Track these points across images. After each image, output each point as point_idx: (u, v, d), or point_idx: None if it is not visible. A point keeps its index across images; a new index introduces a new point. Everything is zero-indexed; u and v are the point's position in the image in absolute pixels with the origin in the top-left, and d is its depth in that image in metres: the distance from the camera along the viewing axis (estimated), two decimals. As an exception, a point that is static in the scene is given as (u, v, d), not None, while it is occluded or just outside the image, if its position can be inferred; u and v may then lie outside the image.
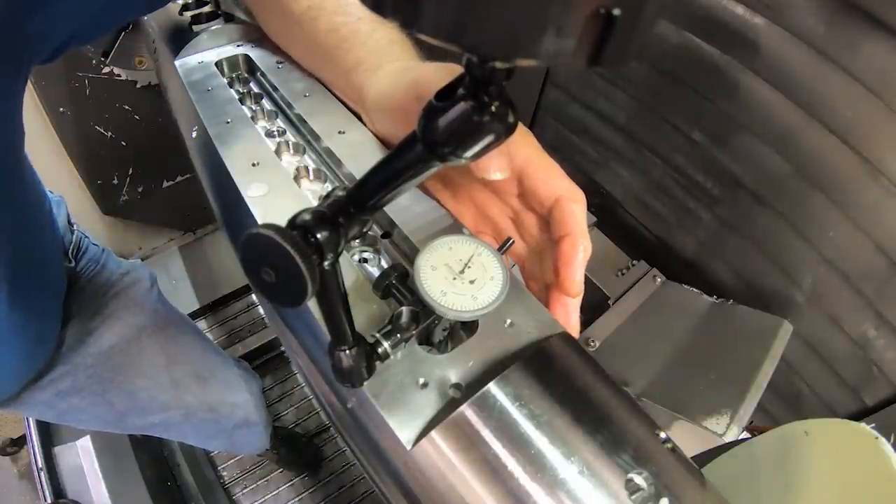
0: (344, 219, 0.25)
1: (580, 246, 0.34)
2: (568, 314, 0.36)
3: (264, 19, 0.56)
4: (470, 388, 0.33)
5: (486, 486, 0.29)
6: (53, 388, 0.64)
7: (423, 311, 0.36)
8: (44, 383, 0.63)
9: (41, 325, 0.58)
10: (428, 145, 0.21)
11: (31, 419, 1.04)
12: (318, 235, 0.23)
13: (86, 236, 0.72)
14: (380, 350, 0.33)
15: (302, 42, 0.50)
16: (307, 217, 0.24)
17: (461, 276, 0.35)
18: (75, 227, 0.71)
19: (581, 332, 0.55)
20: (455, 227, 0.43)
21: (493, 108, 0.19)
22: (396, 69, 0.43)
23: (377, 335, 0.33)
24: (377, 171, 0.25)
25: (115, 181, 1.38)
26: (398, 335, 0.33)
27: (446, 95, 0.20)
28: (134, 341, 0.72)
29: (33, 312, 0.54)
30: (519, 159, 0.35)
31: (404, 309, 0.36)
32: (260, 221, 0.43)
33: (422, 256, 0.36)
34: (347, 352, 0.30)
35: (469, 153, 0.21)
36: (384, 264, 0.45)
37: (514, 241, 0.39)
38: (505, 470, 0.29)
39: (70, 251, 0.67)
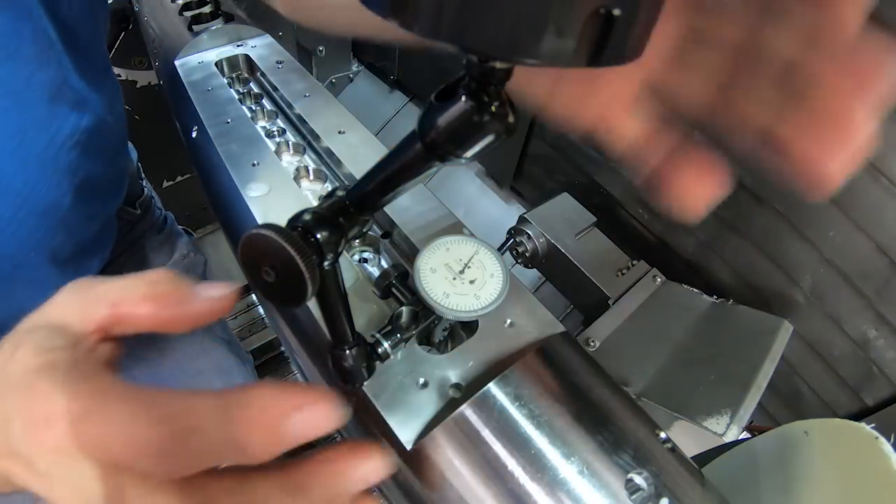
0: (344, 219, 0.25)
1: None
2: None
3: None
4: (470, 388, 0.33)
5: (486, 486, 0.29)
6: None
7: (423, 311, 0.36)
8: None
9: (93, 236, 0.56)
10: (427, 145, 0.21)
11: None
12: (318, 235, 0.23)
13: (153, 197, 0.73)
14: (380, 350, 0.33)
15: None
16: (307, 217, 0.24)
17: (461, 277, 0.35)
18: (145, 183, 0.71)
19: (581, 331, 0.55)
20: (454, 227, 0.43)
21: (492, 108, 0.19)
22: None
23: (377, 335, 0.33)
24: (377, 171, 0.25)
25: (115, 181, 1.38)
26: (398, 335, 0.33)
27: (446, 95, 0.20)
28: None
29: (92, 216, 0.53)
30: None
31: (404, 309, 0.36)
32: (260, 221, 0.43)
33: (421, 258, 0.36)
34: (347, 352, 0.30)
35: (469, 153, 0.21)
36: (384, 264, 0.45)
37: (514, 240, 0.38)
38: (505, 470, 0.29)
39: (137, 201, 0.68)
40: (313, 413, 0.19)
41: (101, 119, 0.49)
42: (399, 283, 0.39)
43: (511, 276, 0.36)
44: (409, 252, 0.43)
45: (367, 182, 0.25)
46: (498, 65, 0.18)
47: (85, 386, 0.19)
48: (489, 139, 0.20)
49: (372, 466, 0.22)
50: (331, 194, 0.27)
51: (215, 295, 0.24)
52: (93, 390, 0.19)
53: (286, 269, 0.22)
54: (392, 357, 0.33)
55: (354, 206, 0.25)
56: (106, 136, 0.51)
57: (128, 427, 0.18)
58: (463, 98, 0.19)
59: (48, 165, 0.44)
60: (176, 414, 0.19)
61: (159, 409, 0.19)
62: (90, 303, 0.23)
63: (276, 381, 0.20)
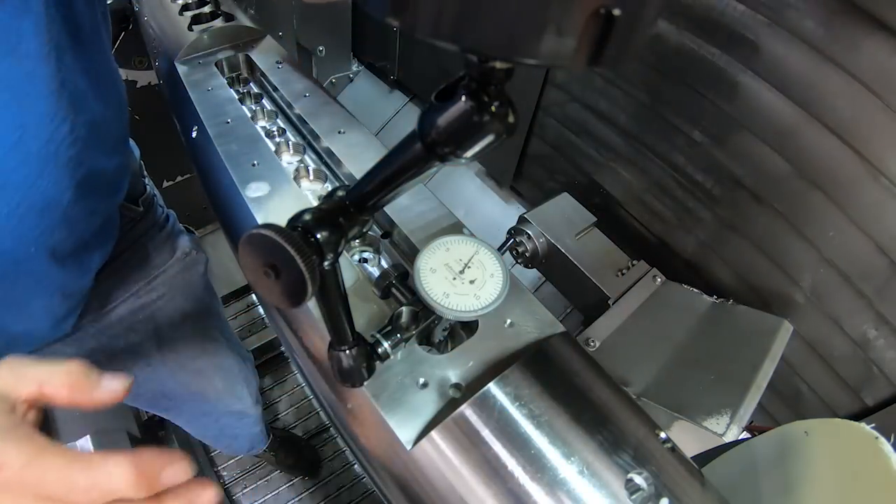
0: (344, 219, 0.25)
1: None
2: None
3: None
4: (470, 388, 0.33)
5: (486, 486, 0.29)
6: (84, 345, 0.64)
7: (423, 311, 0.36)
8: (71, 340, 0.63)
9: (94, 232, 0.55)
10: (427, 145, 0.21)
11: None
12: (319, 235, 0.23)
13: (155, 195, 0.73)
14: (380, 350, 0.33)
15: None
16: (307, 217, 0.24)
17: (461, 277, 0.35)
18: (148, 181, 0.71)
19: (581, 331, 0.55)
20: (454, 227, 0.43)
21: (492, 108, 0.19)
22: None
23: (377, 335, 0.33)
24: (377, 170, 0.25)
25: (115, 181, 1.37)
26: (398, 335, 0.33)
27: (446, 95, 0.20)
28: (178, 327, 0.74)
29: (93, 212, 0.53)
30: None
31: (404, 309, 0.36)
32: (260, 221, 0.43)
33: (421, 258, 0.36)
34: (347, 352, 0.30)
35: (469, 153, 0.21)
36: (384, 264, 0.45)
37: (514, 240, 0.38)
38: (505, 470, 0.29)
39: (140, 199, 0.68)
40: (174, 470, 0.29)
41: (102, 114, 0.48)
42: (399, 283, 0.39)
43: (511, 276, 0.36)
44: (409, 252, 0.43)
45: (367, 182, 0.25)
46: (498, 65, 0.18)
47: (27, 443, 0.28)
48: (489, 139, 0.20)
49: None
50: (331, 194, 0.27)
51: (115, 388, 0.32)
52: (34, 447, 0.28)
53: (286, 269, 0.22)
54: (392, 357, 0.33)
55: (354, 206, 0.25)
56: (107, 131, 0.51)
57: (60, 474, 0.27)
58: (463, 98, 0.19)
59: (49, 161, 0.44)
60: (91, 466, 0.28)
61: (80, 462, 0.28)
62: (22, 380, 0.31)
63: (156, 448, 0.30)
